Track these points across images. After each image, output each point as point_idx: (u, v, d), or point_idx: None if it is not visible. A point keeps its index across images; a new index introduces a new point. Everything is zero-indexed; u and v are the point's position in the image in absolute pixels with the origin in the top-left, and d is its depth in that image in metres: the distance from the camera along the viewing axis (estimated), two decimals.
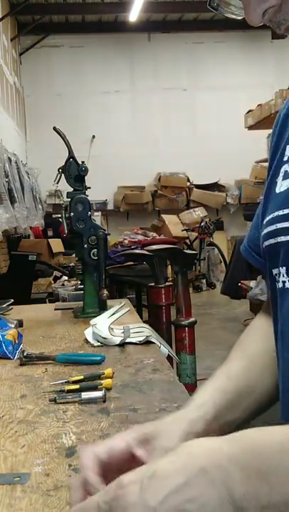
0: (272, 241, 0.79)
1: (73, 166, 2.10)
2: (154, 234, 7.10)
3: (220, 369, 0.85)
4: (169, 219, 9.39)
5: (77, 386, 1.21)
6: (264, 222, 0.82)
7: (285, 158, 0.80)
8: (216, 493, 0.49)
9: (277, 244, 0.78)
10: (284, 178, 0.79)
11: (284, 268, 0.77)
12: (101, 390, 1.17)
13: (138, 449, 0.66)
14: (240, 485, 0.49)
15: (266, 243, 0.81)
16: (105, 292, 2.01)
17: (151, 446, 0.67)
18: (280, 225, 0.77)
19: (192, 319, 3.06)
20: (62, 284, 2.93)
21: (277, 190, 0.80)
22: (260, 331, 0.90)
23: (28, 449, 0.95)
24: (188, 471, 0.50)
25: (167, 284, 3.22)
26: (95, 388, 1.20)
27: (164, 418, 0.75)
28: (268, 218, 0.80)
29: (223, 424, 0.76)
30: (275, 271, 0.79)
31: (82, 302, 2.11)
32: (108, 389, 1.21)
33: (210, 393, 0.78)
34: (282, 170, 0.80)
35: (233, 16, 0.79)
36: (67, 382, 1.25)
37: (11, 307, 2.29)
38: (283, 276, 0.77)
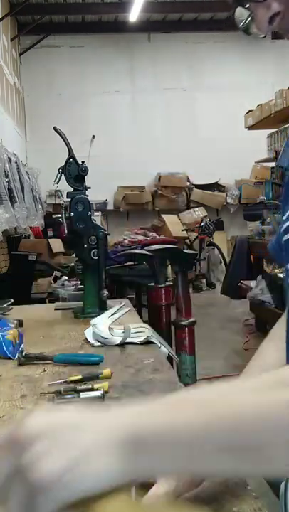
0: (288, 236, 0.81)
1: (73, 166, 2.09)
2: (154, 234, 7.10)
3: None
4: (169, 219, 9.39)
5: (75, 386, 1.21)
6: (284, 217, 0.83)
7: None
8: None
9: None
10: None
11: None
12: (99, 390, 1.17)
13: None
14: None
15: (284, 238, 0.82)
16: (105, 292, 2.01)
17: None
18: None
19: (192, 319, 3.05)
20: (62, 284, 2.93)
21: None
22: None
23: None
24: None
25: (167, 284, 3.22)
26: (93, 388, 1.20)
27: None
28: (287, 214, 0.82)
29: None
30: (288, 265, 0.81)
31: (82, 302, 2.11)
32: (105, 392, 1.20)
33: None
34: None
35: (260, 35, 0.84)
36: (66, 382, 1.25)
37: (11, 307, 2.29)
38: None
